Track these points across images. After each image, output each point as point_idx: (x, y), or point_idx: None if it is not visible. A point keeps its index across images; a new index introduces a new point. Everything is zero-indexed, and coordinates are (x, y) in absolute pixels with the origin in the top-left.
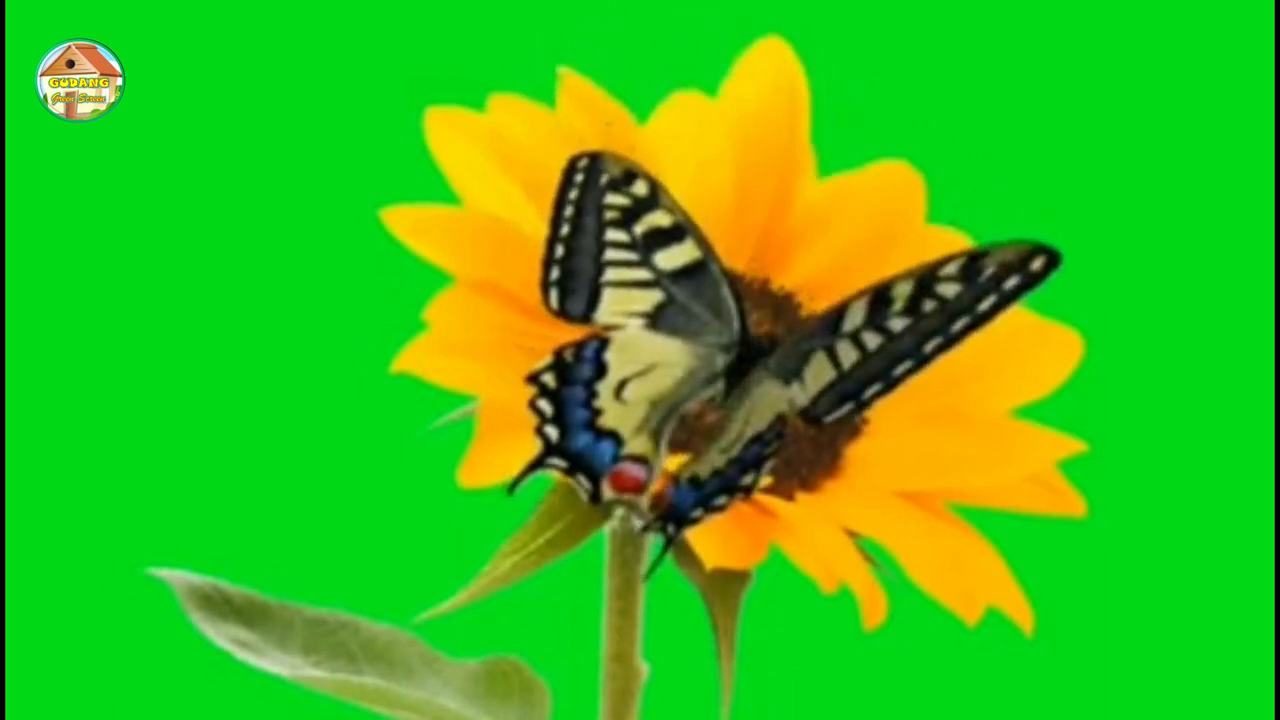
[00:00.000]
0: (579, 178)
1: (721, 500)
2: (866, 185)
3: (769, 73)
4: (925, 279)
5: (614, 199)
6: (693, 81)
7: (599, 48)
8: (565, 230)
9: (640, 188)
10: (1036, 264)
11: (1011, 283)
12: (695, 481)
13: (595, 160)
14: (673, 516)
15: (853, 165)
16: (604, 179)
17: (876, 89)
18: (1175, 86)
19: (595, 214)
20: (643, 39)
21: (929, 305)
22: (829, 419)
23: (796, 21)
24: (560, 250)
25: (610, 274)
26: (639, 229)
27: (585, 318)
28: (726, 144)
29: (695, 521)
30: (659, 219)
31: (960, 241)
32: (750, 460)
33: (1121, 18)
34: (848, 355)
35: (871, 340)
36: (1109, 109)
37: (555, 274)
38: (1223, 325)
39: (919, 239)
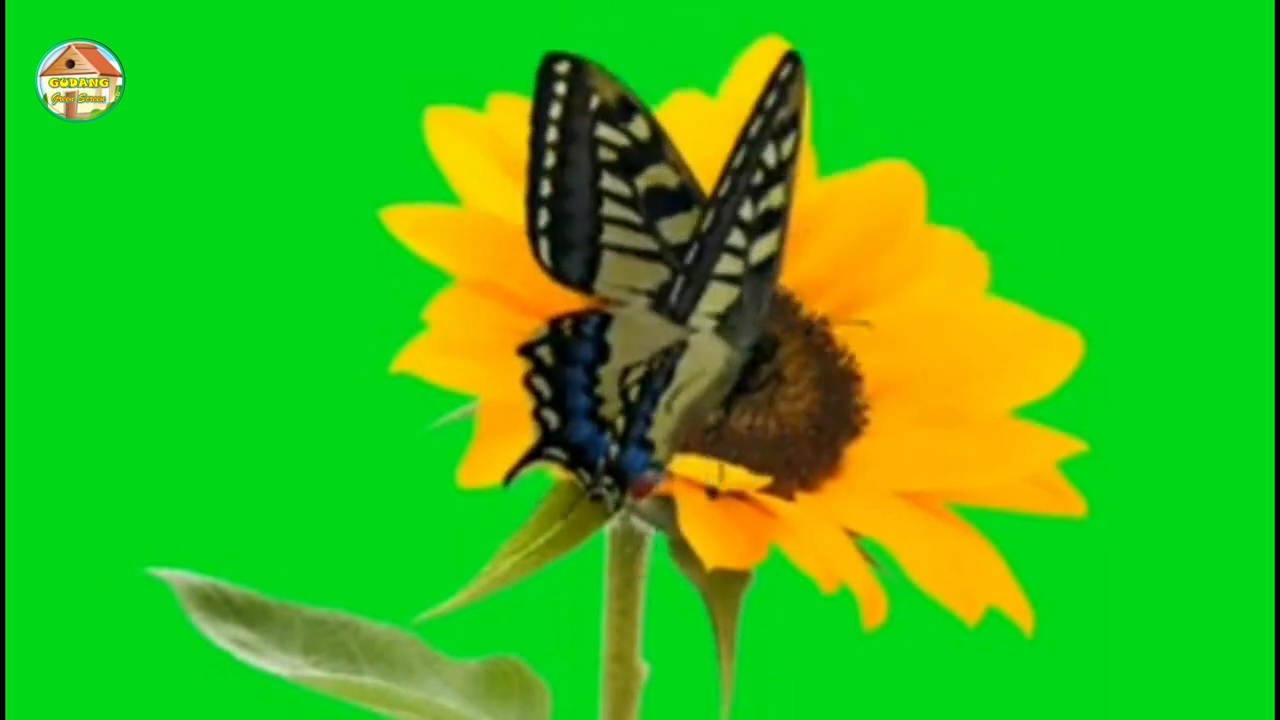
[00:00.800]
0: (560, 88)
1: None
2: (866, 185)
3: (769, 73)
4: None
5: (609, 134)
6: (693, 81)
7: (599, 48)
8: (551, 161)
9: (640, 127)
10: (783, 73)
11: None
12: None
13: (579, 69)
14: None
15: (853, 165)
16: (594, 102)
17: (876, 89)
18: (1175, 86)
19: (588, 148)
20: (643, 39)
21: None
22: (682, 302)
23: (796, 21)
24: (547, 186)
25: (610, 234)
26: (641, 183)
27: (584, 284)
28: (726, 144)
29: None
30: (664, 176)
31: (961, 242)
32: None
33: (1121, 18)
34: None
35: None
36: (1109, 109)
37: (544, 218)
38: (1223, 325)
39: (918, 239)
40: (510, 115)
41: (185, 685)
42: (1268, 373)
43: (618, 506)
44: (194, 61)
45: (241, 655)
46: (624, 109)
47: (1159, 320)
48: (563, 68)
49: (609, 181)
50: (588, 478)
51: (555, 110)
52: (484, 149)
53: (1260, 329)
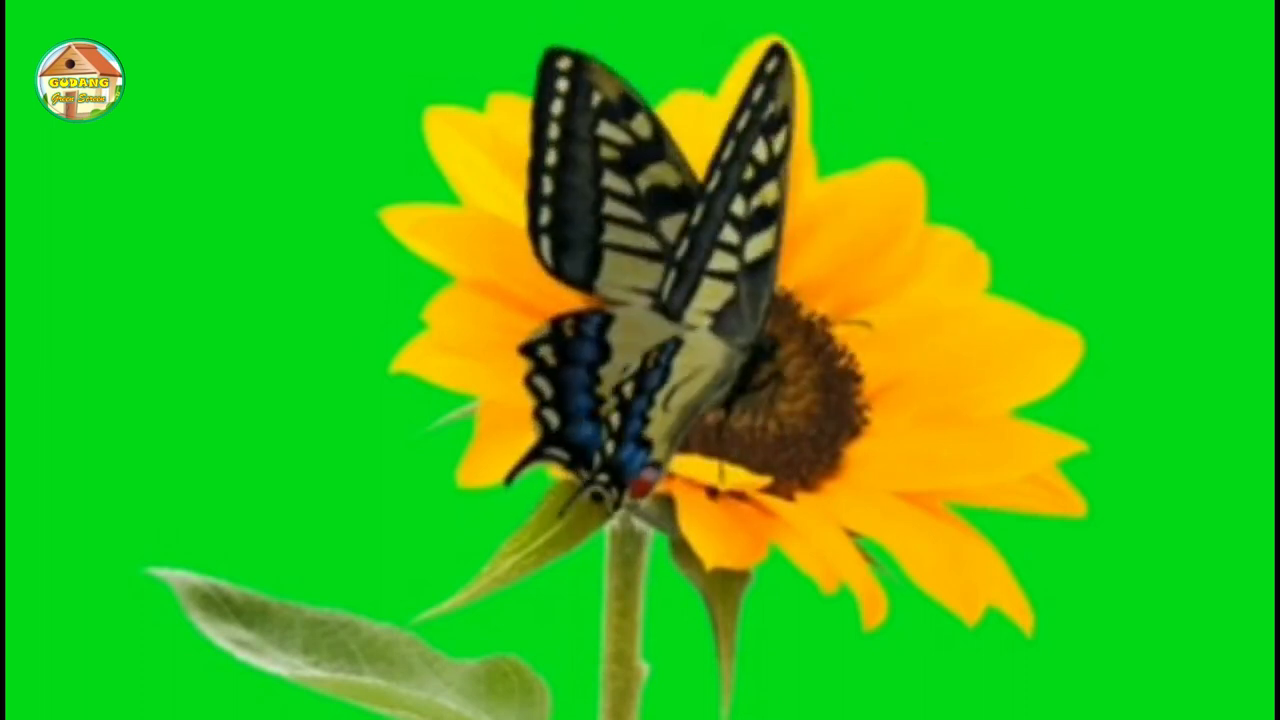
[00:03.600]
0: (562, 84)
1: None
2: (866, 185)
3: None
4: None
5: (611, 131)
6: (693, 81)
7: (599, 48)
8: (553, 158)
9: (642, 125)
10: (770, 66)
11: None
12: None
13: (581, 65)
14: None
15: (853, 165)
16: (595, 99)
17: (876, 89)
18: (1175, 86)
19: (590, 146)
20: (644, 39)
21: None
22: (675, 298)
23: (796, 21)
24: (549, 185)
25: (612, 233)
26: (643, 182)
27: (586, 284)
28: None
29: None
30: (666, 175)
31: (961, 241)
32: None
33: (1121, 18)
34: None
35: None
36: (1109, 109)
37: (545, 216)
38: (1223, 325)
39: (919, 239)
40: (510, 115)
41: (185, 685)
42: (1268, 372)
43: (617, 506)
44: (194, 61)
45: (241, 655)
46: (626, 106)
47: (1159, 320)
48: (564, 64)
49: (611, 180)
50: (588, 477)
51: (557, 107)
52: (484, 149)
53: (1260, 329)
